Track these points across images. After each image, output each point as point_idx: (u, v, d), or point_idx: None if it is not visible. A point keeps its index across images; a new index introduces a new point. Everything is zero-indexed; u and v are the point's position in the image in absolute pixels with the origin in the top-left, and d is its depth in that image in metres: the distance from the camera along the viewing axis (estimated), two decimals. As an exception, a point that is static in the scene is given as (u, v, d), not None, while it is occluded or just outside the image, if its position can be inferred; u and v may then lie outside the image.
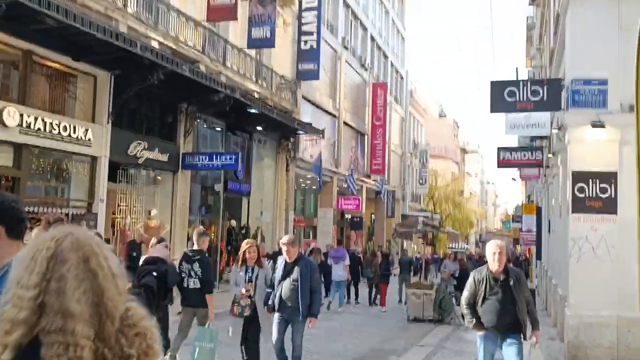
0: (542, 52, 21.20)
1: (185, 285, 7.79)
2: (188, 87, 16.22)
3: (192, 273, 7.78)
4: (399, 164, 46.62)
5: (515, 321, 6.05)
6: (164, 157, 16.66)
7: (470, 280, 6.25)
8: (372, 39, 39.06)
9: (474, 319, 6.13)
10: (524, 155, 16.67)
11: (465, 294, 6.24)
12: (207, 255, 8.85)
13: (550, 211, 16.16)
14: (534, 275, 29.45)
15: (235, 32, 20.81)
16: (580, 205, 8.72)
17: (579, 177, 8.74)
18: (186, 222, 17.95)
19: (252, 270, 7.67)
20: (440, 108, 41.71)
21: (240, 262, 7.78)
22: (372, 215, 41.11)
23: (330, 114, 30.68)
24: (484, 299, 6.05)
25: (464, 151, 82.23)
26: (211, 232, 19.99)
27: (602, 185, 8.67)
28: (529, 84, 9.69)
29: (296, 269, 7.25)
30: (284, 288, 7.26)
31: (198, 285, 7.76)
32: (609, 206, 8.63)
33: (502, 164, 16.68)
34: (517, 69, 18.38)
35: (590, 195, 8.68)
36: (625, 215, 8.62)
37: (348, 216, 35.88)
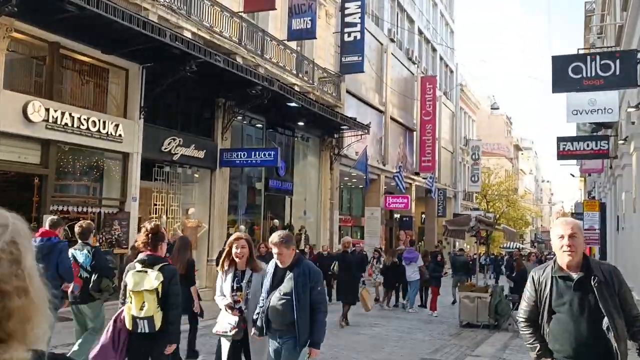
0: (605, 35, 19.53)
1: None
2: (224, 80, 15.50)
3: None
4: (450, 161, 45.05)
5: (607, 351, 3.61)
6: (201, 154, 15.97)
7: (528, 284, 3.93)
8: (420, 31, 37.72)
9: (539, 346, 3.83)
10: (587, 146, 15.15)
11: (522, 304, 3.98)
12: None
13: (619, 206, 14.64)
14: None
15: (275, 23, 20.00)
16: (664, 196, 7.42)
17: (662, 162, 7.44)
18: (225, 221, 17.25)
19: (243, 274, 5.48)
20: (493, 101, 39.81)
21: (225, 264, 5.53)
22: (423, 215, 39.74)
23: (376, 109, 29.57)
24: (551, 312, 3.74)
25: (517, 148, 79.49)
26: (253, 232, 19.28)
27: (691, 171, 7.34)
28: (597, 57, 8.41)
29: (289, 278, 5.09)
30: (272, 304, 5.13)
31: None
32: (700, 196, 7.30)
33: (562, 155, 15.24)
34: (578, 50, 16.96)
35: (677, 183, 7.36)
36: None
37: (397, 216, 34.72)
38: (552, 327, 3.74)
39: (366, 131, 23.74)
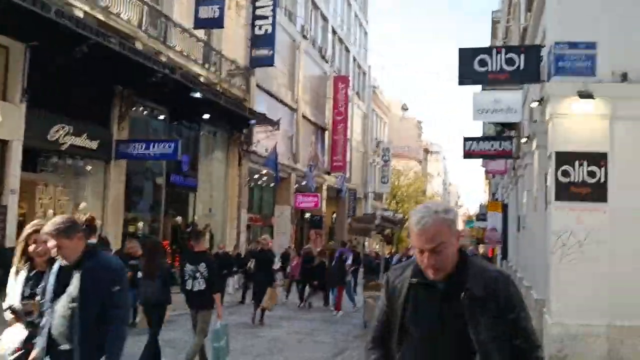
0: (509, 39, 19.99)
1: (189, 287, 7.51)
2: (122, 66, 14.41)
3: (198, 274, 7.44)
4: (361, 162, 45.30)
5: None
6: (94, 145, 14.78)
7: (382, 289, 2.65)
8: (334, 31, 37.58)
9: None
10: (492, 146, 15.30)
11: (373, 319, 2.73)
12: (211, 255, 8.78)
13: (520, 207, 14.87)
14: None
15: (181, 10, 18.99)
16: (564, 192, 7.32)
17: (563, 158, 7.34)
18: (120, 217, 16.07)
19: (40, 277, 3.99)
20: (403, 104, 40.54)
21: (20, 261, 4.19)
22: (333, 215, 39.66)
23: (288, 106, 29.04)
24: (403, 331, 2.46)
25: (427, 151, 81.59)
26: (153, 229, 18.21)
27: (590, 168, 7.28)
28: (503, 51, 8.25)
29: (75, 280, 3.65)
30: (56, 316, 3.67)
31: (203, 287, 7.43)
32: (598, 193, 7.25)
33: (468, 154, 15.29)
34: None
35: (576, 180, 7.28)
36: (617, 205, 7.24)
37: (308, 215, 34.39)
38: (403, 353, 2.43)
39: (276, 127, 23.16)
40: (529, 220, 11.95)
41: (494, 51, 8.28)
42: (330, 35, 36.64)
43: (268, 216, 30.67)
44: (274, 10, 23.45)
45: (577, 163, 7.27)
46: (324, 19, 35.51)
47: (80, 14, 13.22)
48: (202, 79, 18.58)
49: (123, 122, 15.91)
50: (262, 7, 23.51)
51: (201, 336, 7.54)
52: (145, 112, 17.82)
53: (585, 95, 7.16)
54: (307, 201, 29.81)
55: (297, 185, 30.37)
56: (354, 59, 43.06)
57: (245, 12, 23.52)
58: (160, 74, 14.85)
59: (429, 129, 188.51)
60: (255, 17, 23.58)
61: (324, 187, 34.77)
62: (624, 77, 7.30)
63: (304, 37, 30.87)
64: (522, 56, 8.20)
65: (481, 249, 44.64)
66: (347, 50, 41.26)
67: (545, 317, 7.84)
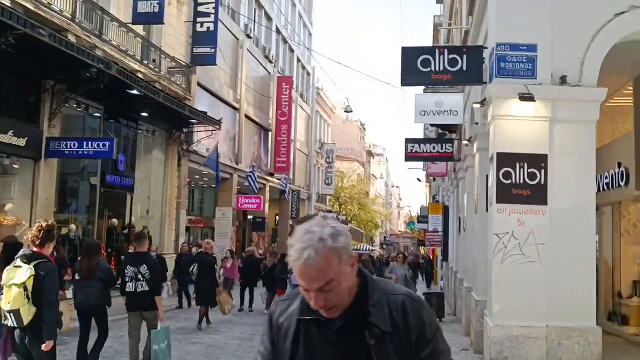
0: (451, 42, 20.22)
1: (131, 289, 7.51)
2: (53, 60, 13.69)
3: (140, 276, 7.48)
4: (305, 164, 45.17)
5: None
6: (21, 142, 13.95)
7: (263, 328, 2.07)
8: (278, 31, 37.31)
9: None
10: (434, 148, 15.40)
11: None
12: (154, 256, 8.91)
13: (461, 209, 15.00)
14: (439, 277, 28.77)
15: (118, 4, 18.30)
16: (505, 194, 7.29)
17: (505, 159, 7.31)
18: (51, 219, 15.25)
19: None
20: (347, 105, 40.80)
21: None
22: (277, 216, 39.34)
23: (230, 105, 28.54)
24: None
25: (370, 153, 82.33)
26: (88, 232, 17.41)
27: (531, 170, 7.29)
28: (446, 51, 8.19)
29: None
30: None
31: (146, 288, 7.47)
32: (538, 195, 7.26)
33: (410, 156, 15.33)
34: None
35: (517, 181, 7.27)
36: (556, 207, 7.27)
37: (251, 217, 33.96)
38: None
39: (217, 127, 22.65)
40: (470, 222, 12.01)
41: (437, 51, 8.21)
42: (274, 35, 36.34)
43: (209, 218, 30.08)
44: (216, 8, 22.96)
45: (517, 165, 7.26)
46: (268, 18, 35.19)
47: (7, 2, 12.45)
48: (140, 76, 17.91)
49: (54, 119, 15.13)
50: (204, 3, 22.97)
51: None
52: (80, 109, 17.03)
53: (526, 97, 7.16)
54: (250, 202, 29.37)
55: (239, 186, 29.91)
56: (298, 60, 42.90)
57: (186, 8, 22.95)
58: (94, 69, 14.17)
59: (372, 131, 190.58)
60: (197, 14, 23.02)
61: (267, 189, 34.41)
62: (563, 80, 7.34)
63: (248, 36, 30.45)
64: (465, 57, 8.17)
65: (422, 250, 45.34)
66: (291, 50, 41.06)
67: (485, 319, 7.81)
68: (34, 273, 4.75)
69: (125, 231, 19.68)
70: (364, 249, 53.35)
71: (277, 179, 35.45)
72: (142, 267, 7.43)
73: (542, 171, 7.25)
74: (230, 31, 28.10)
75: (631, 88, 11.00)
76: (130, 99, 17.14)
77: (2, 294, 4.93)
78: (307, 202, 45.15)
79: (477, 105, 8.47)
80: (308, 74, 46.15)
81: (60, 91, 15.21)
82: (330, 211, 49.32)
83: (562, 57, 7.38)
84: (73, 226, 17.15)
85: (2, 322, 4.97)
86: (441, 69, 8.13)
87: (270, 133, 35.32)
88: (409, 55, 8.26)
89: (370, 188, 74.16)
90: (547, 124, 7.31)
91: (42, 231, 5.06)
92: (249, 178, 28.82)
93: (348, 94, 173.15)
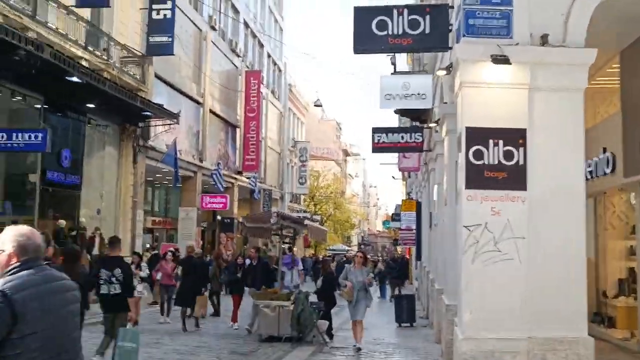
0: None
1: (105, 292, 7.87)
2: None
3: (113, 279, 7.83)
4: (277, 162, 43.76)
5: None
6: (-61, 133, 12.42)
7: None
8: (246, 24, 35.84)
9: None
10: (402, 138, 14.08)
11: None
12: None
13: (432, 204, 13.76)
14: (413, 277, 27.59)
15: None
16: (476, 178, 6.01)
17: (475, 136, 6.03)
18: (-23, 220, 13.71)
19: None
20: (317, 99, 39.62)
21: None
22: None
23: (193, 99, 27.02)
24: None
25: (346, 153, 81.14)
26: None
27: (507, 147, 6.01)
28: (405, 12, 6.88)
29: None
30: None
31: (119, 291, 7.83)
32: (517, 178, 5.99)
33: (377, 147, 14.04)
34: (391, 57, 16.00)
35: (491, 162, 5.99)
36: (538, 192, 6.01)
37: (220, 217, 32.44)
38: None
39: (175, 120, 21.16)
40: (440, 217, 10.76)
41: (395, 12, 6.89)
42: (242, 28, 34.88)
43: (175, 219, 28.53)
44: (173, -6, 21.46)
45: (491, 142, 5.99)
46: (235, 11, 33.72)
47: None
48: (84, 63, 16.39)
49: (-19, 108, 13.59)
50: (161, -11, 21.48)
51: None
52: (16, 99, 15.47)
53: (500, 60, 5.88)
54: (215, 202, 27.90)
55: (206, 186, 28.43)
56: (269, 55, 41.46)
57: (142, -6, 21.44)
58: (23, 51, 12.68)
59: (348, 129, 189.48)
60: (152, 1, 21.51)
61: (236, 188, 32.94)
62: (544, 40, 6.09)
63: (212, 27, 28.98)
64: (428, 18, 6.88)
65: (399, 249, 44.19)
66: (261, 45, 39.62)
67: (455, 330, 6.52)
68: None
69: (74, 233, 18.09)
70: (341, 249, 52.17)
71: (247, 178, 33.98)
72: (115, 271, 7.83)
73: (521, 149, 5.98)
74: (192, 22, 26.60)
75: (616, 66, 9.86)
76: (74, 88, 15.62)
77: None
78: (280, 202, 43.72)
79: (442, 72, 7.16)
80: (280, 70, 44.75)
81: (-12, 77, 13.68)
82: (305, 211, 47.96)
83: (543, 13, 6.13)
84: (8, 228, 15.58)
85: None
86: (400, 32, 6.83)
87: (238, 130, 33.85)
88: (362, 16, 6.95)
89: (346, 187, 72.96)
90: (525, 92, 6.05)
91: (67, 256, 6.05)
92: (214, 176, 27.33)
93: (324, 93, 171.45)
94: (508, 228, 5.91)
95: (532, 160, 6.01)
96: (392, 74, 12.66)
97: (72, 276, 7.76)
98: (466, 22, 6.00)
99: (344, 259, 29.25)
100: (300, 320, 10.84)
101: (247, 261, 15.93)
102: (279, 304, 11.17)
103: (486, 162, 5.98)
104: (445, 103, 8.83)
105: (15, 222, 15.60)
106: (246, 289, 13.54)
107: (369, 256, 18.98)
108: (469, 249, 5.98)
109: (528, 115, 6.03)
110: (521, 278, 5.85)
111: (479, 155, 6.00)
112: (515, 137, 5.99)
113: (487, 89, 6.09)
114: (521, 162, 5.97)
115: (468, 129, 6.04)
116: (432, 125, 10.87)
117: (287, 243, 15.27)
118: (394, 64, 14.73)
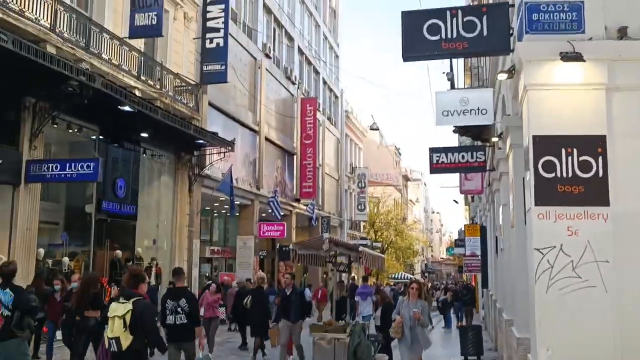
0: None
1: (171, 322, 8.10)
2: (32, 74, 12.34)
3: (179, 309, 8.05)
4: (335, 189, 43.22)
5: None
6: (-5, 165, 12.54)
7: None
8: (301, 51, 35.83)
9: None
10: (463, 157, 13.25)
11: None
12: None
13: (498, 227, 12.81)
14: (480, 306, 26.20)
15: (115, 18, 17.00)
16: (548, 193, 5.22)
17: (545, 145, 5.26)
18: (33, 251, 13.72)
19: None
20: (373, 123, 39.21)
21: None
22: (306, 245, 37.34)
23: (249, 127, 26.94)
24: None
25: (406, 178, 79.89)
26: (77, 264, 15.82)
27: (583, 158, 5.21)
28: (460, 13, 6.23)
29: None
30: None
31: (185, 321, 8.04)
32: (597, 192, 5.17)
33: (436, 168, 13.25)
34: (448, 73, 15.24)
35: (565, 175, 5.19)
36: (623, 208, 5.16)
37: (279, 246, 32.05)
38: None
39: (230, 148, 21.00)
40: (507, 241, 9.85)
41: (448, 14, 6.25)
42: (297, 56, 34.87)
43: (235, 248, 28.33)
44: (225, 22, 21.55)
45: (564, 152, 5.20)
46: (290, 38, 33.77)
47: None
48: (137, 93, 16.45)
49: (36, 140, 13.69)
50: (213, 18, 21.62)
51: None
52: (72, 131, 15.60)
53: (571, 57, 5.13)
54: (272, 230, 27.54)
55: (264, 214, 28.16)
56: (324, 82, 41.30)
57: (195, 25, 21.61)
58: (75, 82, 12.72)
59: (409, 156, 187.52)
60: (206, 30, 21.67)
61: (293, 216, 32.55)
62: (623, 33, 5.30)
63: (267, 55, 29.00)
64: (485, 19, 6.20)
65: (465, 277, 42.51)
66: (317, 72, 39.52)
67: (529, 369, 5.67)
68: (131, 308, 5.61)
69: (130, 263, 18.01)
70: (402, 277, 50.76)
71: (304, 205, 33.56)
72: (181, 301, 8.04)
73: (600, 159, 5.17)
74: (247, 50, 26.68)
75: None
76: (128, 118, 15.66)
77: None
78: (340, 229, 43.05)
79: (504, 76, 6.43)
80: (336, 96, 44.50)
81: (43, 110, 13.80)
82: (364, 238, 47.02)
83: (620, 2, 5.35)
84: (66, 259, 15.60)
85: (107, 348, 5.80)
86: (454, 35, 6.17)
87: (295, 157, 33.60)
88: (412, 21, 6.33)
89: (408, 214, 71.58)
90: (602, 93, 5.25)
91: (132, 277, 6.04)
92: (271, 204, 27.04)
93: (384, 119, 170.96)
94: (589, 250, 5.08)
95: (614, 171, 5.18)
96: (435, 54, 11.85)
97: (81, 302, 9.03)
98: (529, 18, 5.30)
99: (393, 289, 28.34)
100: (357, 354, 10.10)
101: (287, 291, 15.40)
102: (334, 336, 10.47)
103: (559, 175, 5.19)
104: (508, 115, 8.04)
105: (73, 254, 15.72)
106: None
107: (436, 283, 18.12)
108: (541, 275, 5.17)
109: (606, 119, 5.22)
110: (607, 308, 4.98)
111: (550, 167, 5.22)
112: (593, 145, 5.18)
113: (557, 92, 5.33)
114: (601, 174, 5.15)
115: (535, 138, 5.28)
116: (495, 139, 10.04)
117: (340, 271, 14.56)
118: (450, 79, 13.98)
